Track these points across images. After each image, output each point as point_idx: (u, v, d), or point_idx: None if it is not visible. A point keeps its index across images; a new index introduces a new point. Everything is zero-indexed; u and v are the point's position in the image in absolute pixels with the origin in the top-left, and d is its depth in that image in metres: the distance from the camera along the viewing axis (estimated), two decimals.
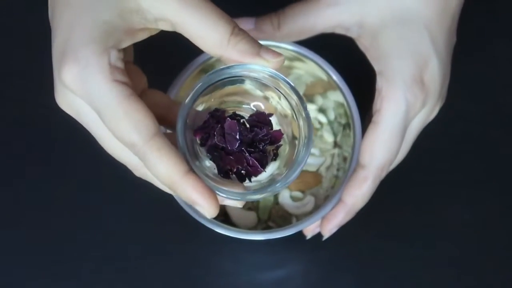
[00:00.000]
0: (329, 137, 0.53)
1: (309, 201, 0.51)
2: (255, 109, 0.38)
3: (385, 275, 0.55)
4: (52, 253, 0.54)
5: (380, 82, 0.43)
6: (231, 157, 0.35)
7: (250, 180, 0.36)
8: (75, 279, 0.54)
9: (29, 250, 0.54)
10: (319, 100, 0.53)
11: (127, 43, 0.34)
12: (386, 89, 0.42)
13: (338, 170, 0.52)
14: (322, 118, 0.53)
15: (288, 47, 0.47)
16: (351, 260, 0.55)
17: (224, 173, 0.36)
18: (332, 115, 0.52)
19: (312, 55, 0.47)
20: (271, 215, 0.51)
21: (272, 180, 0.36)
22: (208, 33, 0.33)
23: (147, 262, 0.54)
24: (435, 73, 0.43)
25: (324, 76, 0.47)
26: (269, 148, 0.36)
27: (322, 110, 0.53)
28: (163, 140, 0.33)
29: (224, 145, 0.35)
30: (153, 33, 0.36)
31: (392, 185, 0.51)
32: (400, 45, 0.42)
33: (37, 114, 0.56)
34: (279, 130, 0.37)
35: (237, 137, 0.35)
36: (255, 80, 0.36)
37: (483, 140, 0.58)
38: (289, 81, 0.35)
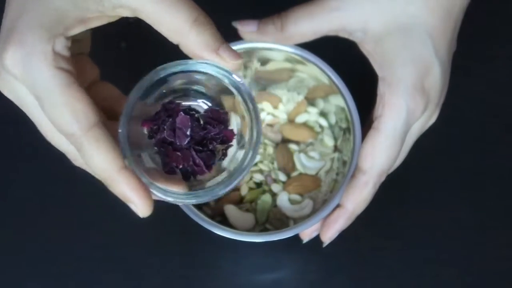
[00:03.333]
0: (329, 141, 0.52)
1: (307, 204, 0.50)
2: (210, 105, 0.37)
3: (385, 275, 0.54)
4: (52, 253, 0.54)
5: (382, 88, 0.42)
6: (178, 153, 0.34)
7: (195, 178, 0.35)
8: (75, 279, 0.54)
9: (29, 250, 0.54)
10: (321, 103, 0.52)
11: (77, 30, 0.34)
12: (388, 95, 0.41)
13: (337, 174, 0.51)
14: (323, 122, 0.52)
15: (290, 50, 0.46)
16: (351, 260, 0.54)
17: (169, 169, 0.34)
18: (333, 119, 0.51)
19: (315, 59, 0.46)
20: (269, 218, 0.50)
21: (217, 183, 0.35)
22: (168, 19, 0.32)
23: (146, 262, 0.54)
24: (436, 81, 0.42)
25: (326, 80, 0.47)
26: (219, 147, 0.35)
27: (323, 114, 0.53)
28: (102, 131, 0.32)
29: (173, 140, 0.34)
30: (111, 20, 0.35)
31: (392, 185, 0.51)
32: (403, 52, 0.42)
33: None
34: (232, 130, 0.35)
35: (188, 133, 0.34)
36: (207, 77, 0.34)
37: (483, 140, 0.58)
38: (242, 83, 0.34)
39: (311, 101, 0.53)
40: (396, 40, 0.42)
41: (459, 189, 0.56)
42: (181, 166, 0.34)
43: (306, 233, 0.47)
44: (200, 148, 0.34)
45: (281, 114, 0.53)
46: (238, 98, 0.35)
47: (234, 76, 0.34)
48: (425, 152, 0.56)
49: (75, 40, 0.35)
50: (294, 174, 0.51)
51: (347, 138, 0.48)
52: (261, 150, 0.52)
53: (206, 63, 0.34)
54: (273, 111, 0.53)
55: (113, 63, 0.58)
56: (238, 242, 0.44)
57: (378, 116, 0.42)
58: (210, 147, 0.35)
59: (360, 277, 0.54)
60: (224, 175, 0.36)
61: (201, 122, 0.35)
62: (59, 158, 0.55)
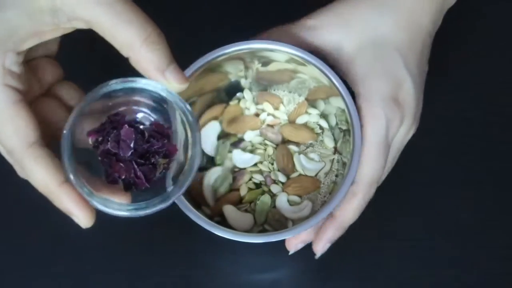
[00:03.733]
0: (329, 143, 0.52)
1: (306, 206, 0.50)
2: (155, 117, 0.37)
3: (385, 275, 0.54)
4: (52, 253, 0.54)
5: (359, 102, 0.44)
6: (121, 164, 0.35)
7: (136, 190, 0.35)
8: (75, 279, 0.54)
9: (29, 250, 0.54)
10: (321, 105, 0.52)
11: (30, 44, 0.34)
12: (365, 107, 0.44)
13: (337, 176, 0.51)
14: (324, 124, 0.52)
15: (292, 51, 0.46)
16: (351, 260, 0.54)
17: (112, 179, 0.35)
18: (333, 121, 0.51)
19: (316, 61, 0.46)
20: (268, 218, 0.50)
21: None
22: (121, 32, 0.33)
23: (146, 262, 0.54)
24: (409, 94, 0.45)
25: (326, 82, 0.47)
26: (162, 161, 0.36)
27: (323, 116, 0.53)
28: (41, 149, 0.33)
29: (116, 151, 0.35)
30: (66, 31, 0.35)
31: (392, 185, 0.51)
32: (376, 67, 0.44)
33: None
34: (175, 145, 0.36)
35: (131, 145, 0.35)
36: (147, 95, 0.35)
37: (483, 140, 0.58)
38: (184, 105, 0.35)
39: (311, 102, 0.53)
40: (368, 57, 0.45)
41: (459, 189, 0.56)
42: (123, 177, 0.35)
43: (291, 245, 0.47)
44: (142, 161, 0.35)
45: (282, 115, 0.53)
46: (181, 117, 0.36)
47: (177, 98, 0.35)
48: (425, 152, 0.56)
49: (41, 44, 0.35)
50: (294, 175, 0.51)
51: (347, 140, 0.48)
52: (261, 151, 0.52)
53: (150, 83, 0.34)
54: (274, 112, 0.53)
55: (108, 63, 0.58)
56: (237, 243, 0.44)
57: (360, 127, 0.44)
58: (152, 161, 0.35)
59: (360, 277, 0.54)
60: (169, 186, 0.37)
61: (145, 135, 0.36)
62: (59, 158, 0.56)
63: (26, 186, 0.55)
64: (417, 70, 0.46)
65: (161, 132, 0.36)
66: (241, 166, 0.51)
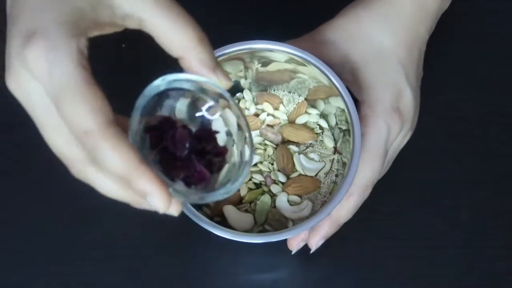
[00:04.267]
0: (329, 143, 0.52)
1: (306, 206, 0.50)
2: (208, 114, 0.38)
3: (385, 275, 0.54)
4: (52, 252, 0.54)
5: (363, 110, 0.47)
6: (179, 162, 0.35)
7: (196, 187, 0.36)
8: (75, 279, 0.54)
9: (29, 250, 0.54)
10: (321, 105, 0.52)
11: (94, 33, 0.34)
12: (369, 115, 0.46)
13: (337, 176, 0.51)
14: (323, 123, 0.52)
15: (292, 52, 0.46)
16: (351, 260, 0.54)
17: (171, 179, 0.35)
18: (333, 121, 0.51)
19: (316, 61, 0.46)
20: (268, 218, 0.50)
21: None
22: (176, 34, 0.34)
23: (146, 262, 0.54)
24: (409, 103, 0.48)
25: (326, 82, 0.47)
26: (215, 160, 0.37)
27: (323, 116, 0.53)
28: (118, 129, 0.32)
29: (173, 150, 0.35)
30: (118, 29, 0.36)
31: (392, 185, 0.51)
32: (380, 78, 0.48)
33: None
34: (225, 146, 0.38)
35: (186, 145, 0.35)
36: (200, 93, 0.36)
37: (483, 140, 0.58)
38: (236, 104, 0.37)
39: (311, 102, 0.53)
40: (373, 69, 0.48)
41: (459, 189, 0.56)
42: (182, 176, 0.35)
43: (293, 244, 0.49)
44: (199, 157, 0.36)
45: (282, 115, 0.53)
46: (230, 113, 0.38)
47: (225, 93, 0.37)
48: (425, 152, 0.56)
49: None
50: (294, 175, 0.51)
51: (347, 140, 0.48)
52: (261, 151, 0.52)
53: (208, 80, 0.36)
54: (274, 112, 0.53)
55: (114, 64, 0.58)
56: (237, 243, 0.44)
57: (361, 134, 0.46)
58: (208, 157, 0.36)
59: (360, 277, 0.54)
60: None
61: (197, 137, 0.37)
62: (59, 159, 0.56)
63: (27, 187, 0.56)
64: (416, 80, 0.49)
65: (208, 136, 0.37)
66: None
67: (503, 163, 0.57)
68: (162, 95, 0.35)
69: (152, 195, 0.32)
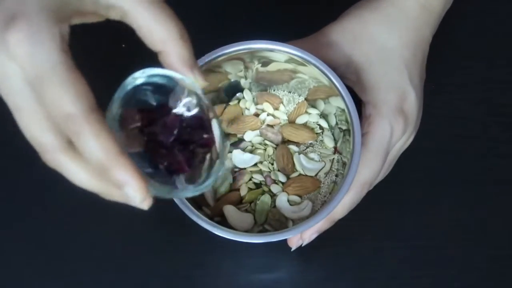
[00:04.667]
0: (329, 143, 0.52)
1: (307, 205, 0.50)
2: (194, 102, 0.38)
3: (385, 275, 0.54)
4: (52, 252, 0.54)
5: (368, 110, 0.47)
6: (164, 150, 0.36)
7: (177, 175, 0.36)
8: (75, 279, 0.54)
9: (29, 250, 0.54)
10: (321, 105, 0.52)
11: (76, 21, 0.34)
12: (374, 116, 0.47)
13: (337, 176, 0.51)
14: (324, 123, 0.52)
15: (292, 52, 0.46)
16: (351, 260, 0.54)
17: (154, 165, 0.36)
18: (333, 121, 0.51)
19: (316, 61, 0.46)
20: (268, 218, 0.50)
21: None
22: (157, 28, 0.34)
23: (146, 262, 0.54)
24: (412, 106, 0.48)
25: (326, 82, 0.47)
26: (200, 151, 0.37)
27: (323, 115, 0.53)
28: (101, 116, 0.32)
29: (161, 136, 0.36)
30: (100, 19, 0.36)
31: (392, 185, 0.51)
32: (384, 80, 0.48)
33: None
34: (212, 137, 0.38)
35: (174, 132, 0.36)
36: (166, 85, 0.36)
37: (483, 140, 0.58)
38: (210, 106, 0.37)
39: (311, 102, 0.53)
40: (377, 70, 0.48)
41: (459, 189, 0.56)
42: (165, 163, 0.36)
43: (293, 241, 0.48)
44: (182, 147, 0.36)
45: (282, 115, 0.53)
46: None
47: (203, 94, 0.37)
48: (425, 152, 0.56)
49: None
50: (294, 175, 0.51)
51: (347, 140, 0.48)
52: (261, 151, 0.52)
53: (186, 78, 0.36)
54: (274, 112, 0.53)
55: (114, 63, 0.58)
56: (237, 243, 0.44)
57: (364, 133, 0.47)
58: (191, 148, 0.37)
59: (360, 277, 0.54)
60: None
61: (184, 124, 0.37)
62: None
63: (27, 187, 0.56)
64: (419, 82, 0.49)
65: (200, 124, 0.37)
66: (241, 166, 0.51)
67: (503, 163, 0.57)
68: (139, 88, 0.35)
69: (130, 185, 0.32)
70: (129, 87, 0.35)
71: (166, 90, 0.37)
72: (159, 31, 0.34)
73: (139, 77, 0.35)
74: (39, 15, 0.32)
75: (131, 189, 0.32)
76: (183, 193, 0.37)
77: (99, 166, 0.32)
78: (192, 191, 0.37)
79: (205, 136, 0.37)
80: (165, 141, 0.36)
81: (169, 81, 0.36)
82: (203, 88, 0.37)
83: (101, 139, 0.31)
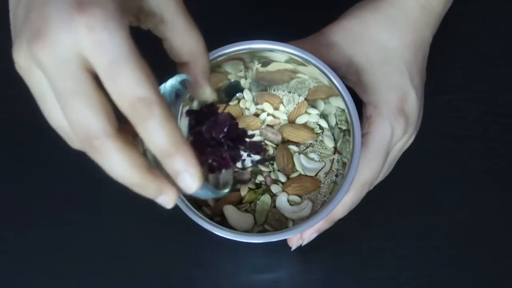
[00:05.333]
0: (329, 143, 0.52)
1: (307, 205, 0.50)
2: None
3: (385, 275, 0.54)
4: (52, 252, 0.54)
5: (369, 111, 0.47)
6: (210, 149, 0.37)
7: (220, 172, 0.38)
8: (75, 279, 0.54)
9: (29, 250, 0.54)
10: (321, 105, 0.52)
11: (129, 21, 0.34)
12: (374, 116, 0.47)
13: (337, 176, 0.51)
14: (323, 123, 0.52)
15: (292, 52, 0.46)
16: (351, 260, 0.54)
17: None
18: (333, 121, 0.51)
19: (315, 61, 0.46)
20: (268, 218, 0.50)
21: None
22: (189, 39, 0.36)
23: (146, 262, 0.54)
24: (413, 106, 0.48)
25: (326, 82, 0.47)
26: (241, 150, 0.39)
27: (323, 116, 0.53)
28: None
29: (209, 136, 0.37)
30: (132, 25, 0.36)
31: (392, 185, 0.51)
32: (385, 80, 0.48)
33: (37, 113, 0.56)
34: (260, 143, 0.41)
35: (225, 130, 0.37)
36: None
37: (483, 140, 0.58)
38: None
39: (311, 102, 0.53)
40: (378, 71, 0.48)
41: (459, 190, 0.56)
42: (210, 161, 0.37)
43: (293, 241, 0.49)
44: (232, 144, 0.38)
45: (282, 115, 0.53)
46: None
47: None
48: (425, 152, 0.56)
49: None
50: (294, 175, 0.51)
51: (347, 140, 0.49)
52: None
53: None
54: (274, 112, 0.53)
55: None
56: (237, 243, 0.44)
57: (365, 133, 0.47)
58: (241, 147, 0.39)
59: (360, 277, 0.54)
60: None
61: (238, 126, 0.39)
62: (59, 157, 0.56)
63: (27, 187, 0.56)
64: (420, 82, 0.49)
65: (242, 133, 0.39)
66: (241, 166, 0.51)
67: (503, 163, 0.57)
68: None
69: (188, 172, 0.32)
70: (170, 90, 0.35)
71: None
72: (189, 43, 0.36)
73: (175, 84, 0.36)
74: (111, 2, 0.31)
75: (189, 176, 0.32)
76: (208, 193, 0.37)
77: (159, 152, 0.32)
78: (214, 193, 0.38)
79: (247, 140, 0.39)
80: (216, 135, 0.37)
81: (184, 90, 0.37)
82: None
83: (169, 124, 0.31)
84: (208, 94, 0.38)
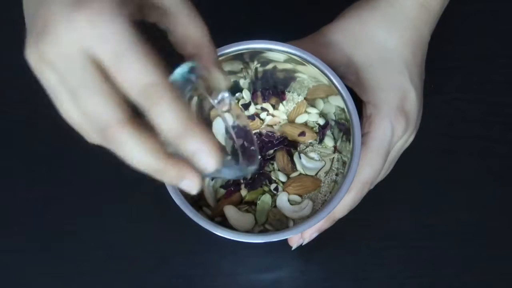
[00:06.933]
0: (329, 142, 0.52)
1: (307, 205, 0.50)
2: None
3: (385, 275, 0.54)
4: (52, 252, 0.54)
5: (369, 110, 0.47)
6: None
7: (247, 160, 0.39)
8: (75, 279, 0.54)
9: (29, 250, 0.54)
10: (321, 104, 0.52)
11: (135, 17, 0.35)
12: (375, 115, 0.47)
13: (337, 175, 0.51)
14: (323, 123, 0.52)
15: (292, 51, 0.46)
16: (351, 260, 0.54)
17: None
18: (333, 120, 0.52)
19: (315, 60, 0.46)
20: (269, 218, 0.50)
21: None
22: (195, 30, 0.36)
23: (146, 262, 0.54)
24: (413, 105, 0.48)
25: (325, 81, 0.47)
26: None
27: (323, 115, 0.53)
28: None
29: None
30: (136, 18, 0.35)
31: (392, 185, 0.51)
32: (385, 80, 0.48)
33: (39, 114, 0.56)
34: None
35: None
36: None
37: (483, 140, 0.58)
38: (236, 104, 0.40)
39: (311, 101, 0.53)
40: (378, 70, 0.48)
41: (459, 189, 0.56)
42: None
43: (294, 240, 0.49)
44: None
45: (281, 114, 0.53)
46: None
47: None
48: (425, 152, 0.56)
49: None
50: (294, 174, 0.51)
51: (347, 139, 0.49)
52: None
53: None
54: (273, 112, 0.53)
55: None
56: (237, 243, 0.44)
57: (365, 133, 0.47)
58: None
59: (360, 277, 0.54)
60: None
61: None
62: (59, 158, 0.56)
63: (27, 187, 0.56)
64: (419, 81, 0.49)
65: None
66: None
67: (503, 163, 0.57)
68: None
69: (203, 151, 0.32)
70: (180, 78, 0.35)
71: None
72: (196, 34, 0.36)
73: (184, 72, 0.35)
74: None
75: (205, 154, 0.32)
76: (236, 172, 0.38)
77: (173, 135, 0.32)
78: (241, 171, 0.38)
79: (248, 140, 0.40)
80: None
81: (194, 77, 0.36)
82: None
83: (179, 105, 0.31)
84: (221, 81, 0.37)
